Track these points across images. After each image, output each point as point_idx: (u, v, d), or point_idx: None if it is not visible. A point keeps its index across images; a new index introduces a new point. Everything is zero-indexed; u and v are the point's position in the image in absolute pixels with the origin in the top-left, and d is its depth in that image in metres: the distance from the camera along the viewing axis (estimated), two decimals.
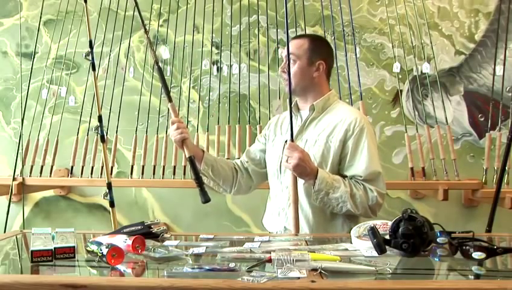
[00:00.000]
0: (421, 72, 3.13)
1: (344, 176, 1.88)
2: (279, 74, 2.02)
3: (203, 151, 2.07)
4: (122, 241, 1.38)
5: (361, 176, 1.85)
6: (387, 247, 1.31)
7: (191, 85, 3.32)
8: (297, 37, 2.10)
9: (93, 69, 2.49)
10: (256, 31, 3.25)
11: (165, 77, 3.23)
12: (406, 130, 2.99)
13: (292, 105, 2.02)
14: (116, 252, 1.29)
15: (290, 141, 1.86)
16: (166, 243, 1.54)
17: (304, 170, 1.80)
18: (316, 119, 1.97)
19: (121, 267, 1.29)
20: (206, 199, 1.84)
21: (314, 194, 1.82)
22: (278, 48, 3.22)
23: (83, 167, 3.08)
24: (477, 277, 1.16)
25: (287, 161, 1.82)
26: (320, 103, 1.96)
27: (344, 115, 1.92)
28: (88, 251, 1.37)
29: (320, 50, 1.98)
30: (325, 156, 1.89)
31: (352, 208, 1.81)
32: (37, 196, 3.46)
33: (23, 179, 3.04)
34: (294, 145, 1.83)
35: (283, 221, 1.96)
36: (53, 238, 1.38)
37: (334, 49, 3.05)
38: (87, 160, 3.07)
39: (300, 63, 1.94)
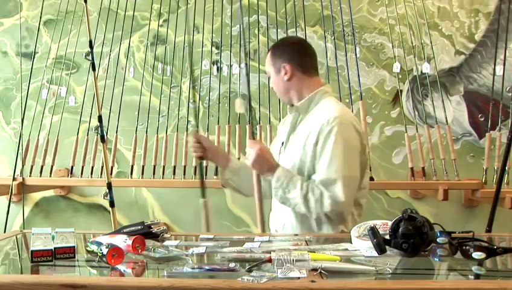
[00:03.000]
0: (421, 72, 3.12)
1: None
2: None
3: (230, 159, 2.10)
4: (122, 241, 1.38)
5: (316, 180, 1.78)
6: (387, 247, 1.31)
7: (191, 85, 3.31)
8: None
9: (93, 69, 2.49)
10: (256, 31, 3.24)
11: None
12: (406, 130, 2.99)
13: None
14: (116, 252, 1.29)
15: (252, 138, 1.95)
16: (166, 243, 1.54)
17: (261, 166, 1.81)
18: (304, 119, 1.93)
19: (121, 267, 1.29)
20: None
21: (273, 191, 1.81)
22: None
23: (83, 167, 3.07)
24: (477, 277, 1.17)
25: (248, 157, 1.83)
26: (305, 103, 1.91)
27: (321, 115, 1.84)
28: (88, 251, 1.37)
29: (281, 53, 1.94)
30: (303, 161, 1.84)
31: (306, 212, 1.77)
32: (37, 196, 3.46)
33: (23, 179, 3.04)
34: (254, 142, 1.87)
35: (275, 221, 1.96)
36: (53, 238, 1.38)
37: (335, 49, 3.10)
38: (87, 160, 3.07)
39: (271, 76, 1.96)
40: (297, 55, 1.94)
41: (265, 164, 1.81)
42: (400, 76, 3.16)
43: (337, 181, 1.73)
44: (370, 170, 2.82)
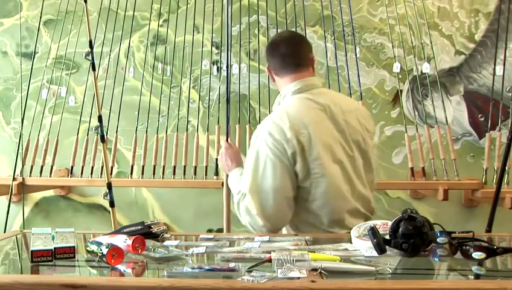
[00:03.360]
0: (421, 72, 3.12)
1: None
2: None
3: None
4: (122, 241, 1.38)
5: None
6: (387, 247, 1.31)
7: (191, 85, 3.32)
8: None
9: (93, 69, 2.49)
10: (256, 31, 3.25)
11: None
12: (406, 130, 2.99)
13: None
14: (116, 252, 1.29)
15: (226, 140, 2.05)
16: (166, 243, 1.55)
17: (223, 166, 1.99)
18: None
19: (121, 267, 1.29)
20: None
21: None
22: None
23: (83, 167, 3.07)
24: (477, 277, 1.17)
25: None
26: (274, 106, 1.91)
27: None
28: (88, 251, 1.37)
29: (266, 57, 1.96)
30: None
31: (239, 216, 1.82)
32: (37, 196, 3.46)
33: (23, 179, 3.04)
34: (225, 143, 2.01)
35: None
36: (53, 238, 1.39)
37: (335, 49, 3.10)
38: (87, 160, 3.07)
39: None
40: (269, 58, 1.94)
41: (226, 164, 1.95)
42: (400, 76, 3.16)
43: (247, 195, 1.75)
44: None
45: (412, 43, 3.14)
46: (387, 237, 1.36)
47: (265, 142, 1.71)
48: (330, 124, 1.77)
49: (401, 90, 3.20)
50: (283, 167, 1.70)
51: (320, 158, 1.70)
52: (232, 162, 1.95)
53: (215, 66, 3.28)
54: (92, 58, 2.47)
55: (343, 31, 3.10)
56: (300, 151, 1.70)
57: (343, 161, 1.76)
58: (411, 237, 1.32)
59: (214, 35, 3.25)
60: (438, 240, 1.37)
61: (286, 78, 1.86)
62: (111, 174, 2.82)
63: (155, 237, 1.58)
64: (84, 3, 2.48)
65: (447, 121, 3.01)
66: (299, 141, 1.69)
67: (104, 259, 1.28)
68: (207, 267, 1.21)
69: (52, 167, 3.12)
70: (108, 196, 2.40)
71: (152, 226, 1.60)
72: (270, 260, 1.24)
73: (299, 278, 1.12)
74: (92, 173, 3.05)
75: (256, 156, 1.73)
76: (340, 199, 1.77)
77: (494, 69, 3.07)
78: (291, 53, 1.87)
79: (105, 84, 3.22)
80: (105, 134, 2.61)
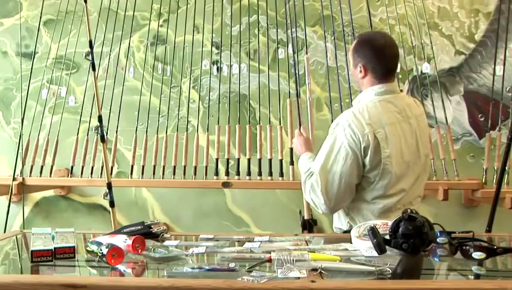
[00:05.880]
0: (421, 72, 3.12)
1: None
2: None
3: None
4: (122, 241, 1.38)
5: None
6: (387, 247, 1.32)
7: (191, 85, 3.32)
8: None
9: (93, 69, 2.49)
10: (256, 31, 3.24)
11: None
12: None
13: None
14: (116, 252, 1.29)
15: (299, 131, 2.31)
16: (166, 243, 1.55)
17: (296, 150, 2.20)
18: None
19: (121, 267, 1.29)
20: None
21: None
22: (278, 48, 3.22)
23: (83, 167, 3.07)
24: (477, 277, 1.17)
25: None
26: (356, 102, 2.00)
27: None
28: (88, 251, 1.37)
29: (360, 53, 1.97)
30: None
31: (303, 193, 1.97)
32: (37, 196, 3.46)
33: (23, 179, 3.04)
34: (298, 132, 2.26)
35: None
36: (53, 238, 1.39)
37: (335, 49, 3.10)
38: (87, 160, 3.07)
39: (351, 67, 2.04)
40: (368, 56, 1.96)
41: (297, 149, 2.16)
42: (400, 76, 3.15)
43: (315, 173, 1.88)
44: None
45: (412, 43, 3.14)
46: (387, 237, 1.36)
47: (343, 132, 1.84)
48: (405, 126, 1.89)
49: (401, 90, 3.19)
50: (354, 157, 1.82)
51: (391, 157, 1.83)
52: (302, 147, 2.14)
53: (215, 66, 3.28)
54: (92, 58, 2.47)
55: (343, 31, 3.10)
56: (374, 146, 1.81)
57: (410, 161, 1.89)
58: (411, 237, 1.32)
59: (214, 35, 3.25)
60: (438, 240, 1.37)
61: (376, 79, 1.94)
62: (111, 174, 2.82)
63: (155, 237, 1.58)
64: (84, 3, 2.48)
65: (447, 121, 3.01)
66: (375, 138, 1.81)
67: (104, 259, 1.28)
68: (207, 267, 1.21)
69: (52, 167, 3.12)
70: (108, 196, 2.40)
71: (152, 226, 1.60)
72: (270, 260, 1.24)
73: (299, 278, 1.12)
74: (92, 173, 3.05)
75: (333, 142, 1.86)
76: (396, 194, 1.90)
77: (494, 69, 3.07)
78: (392, 60, 1.97)
79: (105, 84, 3.22)
80: (105, 134, 2.61)
